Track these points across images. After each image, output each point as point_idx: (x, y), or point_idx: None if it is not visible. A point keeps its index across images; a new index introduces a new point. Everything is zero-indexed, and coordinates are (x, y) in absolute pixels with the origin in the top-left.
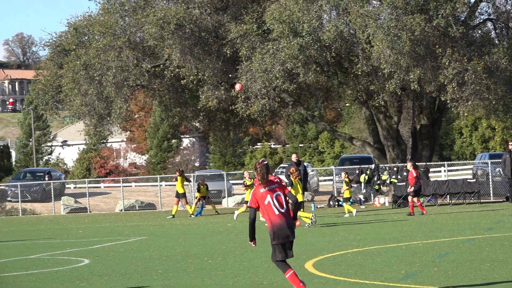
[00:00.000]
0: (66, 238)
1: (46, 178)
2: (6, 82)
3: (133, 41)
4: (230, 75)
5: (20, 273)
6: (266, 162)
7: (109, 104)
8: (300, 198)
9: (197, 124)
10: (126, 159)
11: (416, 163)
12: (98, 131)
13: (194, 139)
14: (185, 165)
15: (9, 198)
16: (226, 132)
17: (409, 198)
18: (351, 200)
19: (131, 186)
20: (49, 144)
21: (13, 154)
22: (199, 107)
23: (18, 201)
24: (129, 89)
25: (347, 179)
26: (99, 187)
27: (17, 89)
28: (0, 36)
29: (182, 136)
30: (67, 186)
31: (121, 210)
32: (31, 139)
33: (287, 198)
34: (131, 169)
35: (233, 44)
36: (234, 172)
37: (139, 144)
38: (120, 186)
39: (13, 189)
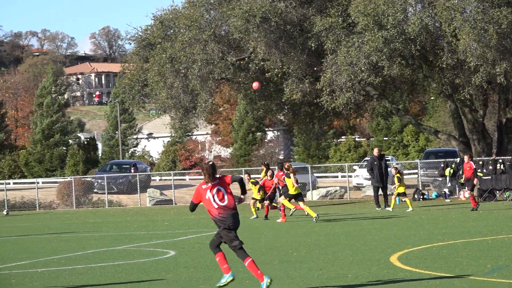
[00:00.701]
0: (152, 230)
1: (132, 170)
2: (93, 75)
3: (219, 34)
4: (315, 68)
5: (107, 264)
6: (212, 163)
7: (194, 97)
8: (294, 191)
9: (282, 117)
10: (211, 151)
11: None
12: (184, 124)
13: (278, 132)
14: (269, 158)
15: (95, 190)
16: (311, 125)
17: (467, 192)
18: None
19: None
20: (134, 136)
21: (100, 146)
22: (283, 100)
23: (104, 193)
24: (214, 82)
25: (398, 175)
26: (184, 179)
27: (103, 82)
28: (86, 30)
29: (266, 129)
30: (152, 178)
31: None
32: (117, 132)
33: (237, 182)
34: (216, 162)
35: (318, 37)
36: (318, 165)
37: (224, 137)
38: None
39: (99, 181)
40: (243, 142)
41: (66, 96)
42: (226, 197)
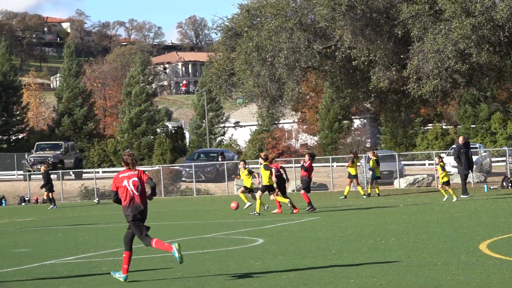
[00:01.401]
0: (240, 218)
1: (220, 159)
2: (180, 64)
3: (304, 23)
4: (401, 56)
5: (196, 252)
6: (132, 152)
7: (281, 85)
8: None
9: (368, 105)
10: (298, 140)
11: None
12: (271, 113)
13: (365, 120)
14: (356, 146)
15: (183, 179)
16: (397, 113)
17: None
18: None
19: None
20: (222, 125)
21: (187, 135)
22: (370, 88)
23: (192, 181)
24: (301, 71)
25: (442, 163)
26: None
27: (190, 71)
28: (173, 19)
29: (353, 117)
30: (240, 166)
31: (293, 191)
32: (204, 121)
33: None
34: (303, 150)
35: (405, 25)
36: (405, 153)
37: (311, 125)
38: (292, 167)
39: (187, 169)
40: (329, 131)
41: (153, 85)
42: (140, 189)
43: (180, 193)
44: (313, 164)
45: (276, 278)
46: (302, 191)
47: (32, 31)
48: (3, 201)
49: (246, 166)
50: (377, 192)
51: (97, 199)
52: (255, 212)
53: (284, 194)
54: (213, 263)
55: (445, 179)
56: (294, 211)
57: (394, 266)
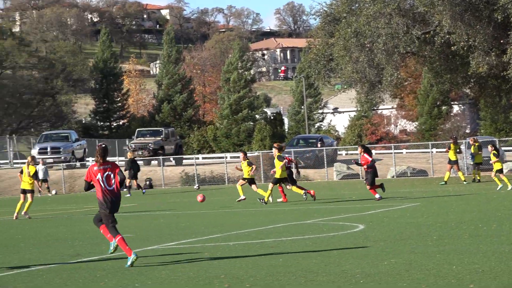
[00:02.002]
0: (340, 204)
1: (319, 145)
2: (278, 50)
3: (403, 8)
4: (501, 41)
5: (297, 238)
6: (104, 146)
7: (379, 71)
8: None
9: (468, 90)
10: (397, 126)
11: None
12: (369, 99)
13: (464, 106)
14: (455, 132)
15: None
16: (498, 98)
17: None
18: None
19: (402, 152)
20: (320, 111)
21: (286, 121)
22: (469, 73)
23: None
24: (400, 56)
25: (495, 151)
26: None
27: (288, 57)
28: (271, 6)
29: (452, 102)
30: (339, 152)
31: (393, 177)
32: (303, 107)
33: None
34: (402, 136)
35: (505, 9)
36: (506, 138)
37: (409, 111)
38: (391, 153)
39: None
40: (428, 116)
41: (252, 71)
42: (113, 182)
43: None
44: (415, 150)
45: (378, 264)
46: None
47: (132, 18)
48: None
49: (247, 158)
50: (479, 178)
51: (197, 185)
52: (263, 201)
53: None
54: (314, 249)
55: (498, 166)
56: (283, 199)
57: (497, 252)
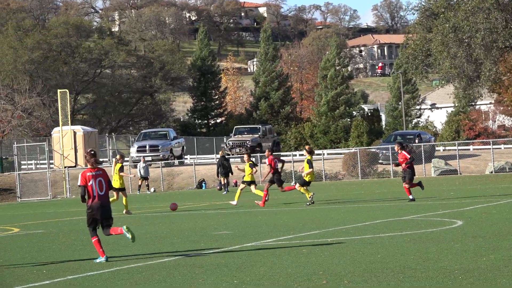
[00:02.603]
0: (438, 200)
1: (417, 141)
2: (375, 46)
3: (502, 2)
4: None
5: (395, 234)
6: (93, 152)
7: (478, 66)
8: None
9: None
10: (495, 121)
11: None
12: (467, 94)
13: None
14: None
15: (380, 161)
16: None
17: None
18: None
19: (501, 148)
20: (417, 107)
21: (383, 117)
22: None
23: (389, 164)
24: (498, 51)
25: None
26: (468, 149)
27: (385, 53)
28: (369, 2)
29: None
30: (437, 148)
31: (491, 172)
32: (400, 103)
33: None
34: (500, 131)
35: None
36: None
37: (508, 106)
38: (489, 148)
39: (384, 151)
40: None
41: (349, 68)
42: (104, 188)
43: (377, 175)
44: (487, 147)
45: (477, 260)
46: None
47: (230, 16)
48: (203, 184)
49: (250, 159)
50: None
51: (294, 181)
52: (310, 201)
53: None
54: (412, 245)
55: None
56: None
57: None
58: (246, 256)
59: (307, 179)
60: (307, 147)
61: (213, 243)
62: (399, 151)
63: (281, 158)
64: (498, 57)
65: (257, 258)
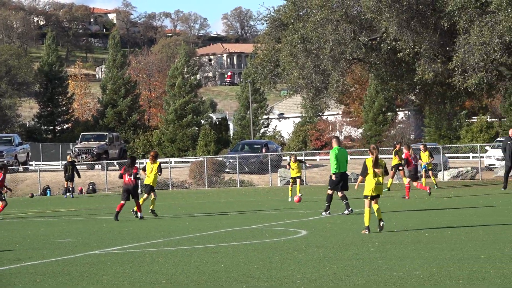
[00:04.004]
0: (283, 210)
1: (263, 150)
2: (225, 55)
3: (350, 14)
4: (447, 48)
5: (239, 243)
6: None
7: (326, 77)
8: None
9: (413, 97)
10: (342, 132)
11: None
12: (315, 104)
13: (409, 112)
14: (400, 138)
15: (227, 170)
16: (442, 106)
17: None
18: None
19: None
20: (265, 116)
21: (231, 126)
22: (415, 80)
23: (236, 173)
24: (346, 62)
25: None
26: (315, 159)
27: (235, 62)
28: (219, 11)
29: (397, 109)
30: (283, 158)
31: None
32: (248, 112)
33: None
34: (347, 142)
35: (451, 17)
36: (450, 145)
37: (355, 117)
38: None
39: (231, 160)
40: (373, 123)
41: (198, 76)
42: None
43: (223, 184)
44: (359, 156)
45: (319, 270)
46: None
47: (79, 22)
48: (47, 191)
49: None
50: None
51: (141, 189)
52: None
53: None
54: (256, 254)
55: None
56: None
57: (438, 259)
58: (89, 264)
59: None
60: (152, 152)
61: (55, 250)
62: (405, 151)
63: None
64: (345, 69)
65: (100, 266)
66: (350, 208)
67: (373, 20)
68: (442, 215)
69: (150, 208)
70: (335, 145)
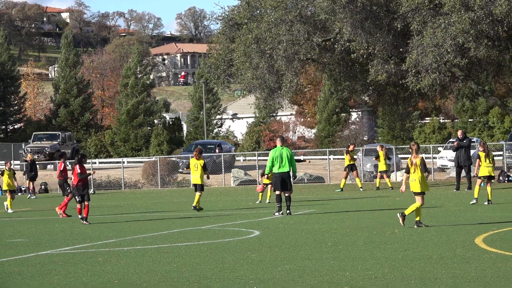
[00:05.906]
0: (236, 210)
1: (217, 151)
2: (178, 55)
3: (304, 15)
4: (400, 49)
5: (192, 243)
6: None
7: (279, 77)
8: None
9: (366, 98)
10: (295, 132)
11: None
12: (268, 105)
13: (362, 113)
14: (353, 139)
15: (180, 170)
16: (395, 106)
17: None
18: None
19: (300, 159)
20: (219, 117)
21: (184, 126)
22: (368, 81)
23: (189, 173)
24: (300, 63)
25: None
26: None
27: (189, 62)
28: (173, 10)
29: (351, 110)
30: (237, 158)
31: None
32: (201, 112)
33: None
34: (300, 143)
35: (404, 18)
36: (402, 146)
37: (308, 118)
38: None
39: (184, 161)
40: (327, 123)
41: (151, 76)
42: None
43: (176, 184)
44: (313, 157)
45: (272, 270)
46: None
47: (31, 21)
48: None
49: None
50: (377, 186)
51: (92, 189)
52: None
53: None
54: (209, 255)
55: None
56: None
57: (390, 259)
58: (40, 264)
59: None
60: (197, 148)
61: (7, 250)
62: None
63: None
64: (299, 69)
65: (52, 266)
66: (281, 211)
67: (327, 21)
68: (393, 216)
69: (193, 205)
70: (278, 144)
